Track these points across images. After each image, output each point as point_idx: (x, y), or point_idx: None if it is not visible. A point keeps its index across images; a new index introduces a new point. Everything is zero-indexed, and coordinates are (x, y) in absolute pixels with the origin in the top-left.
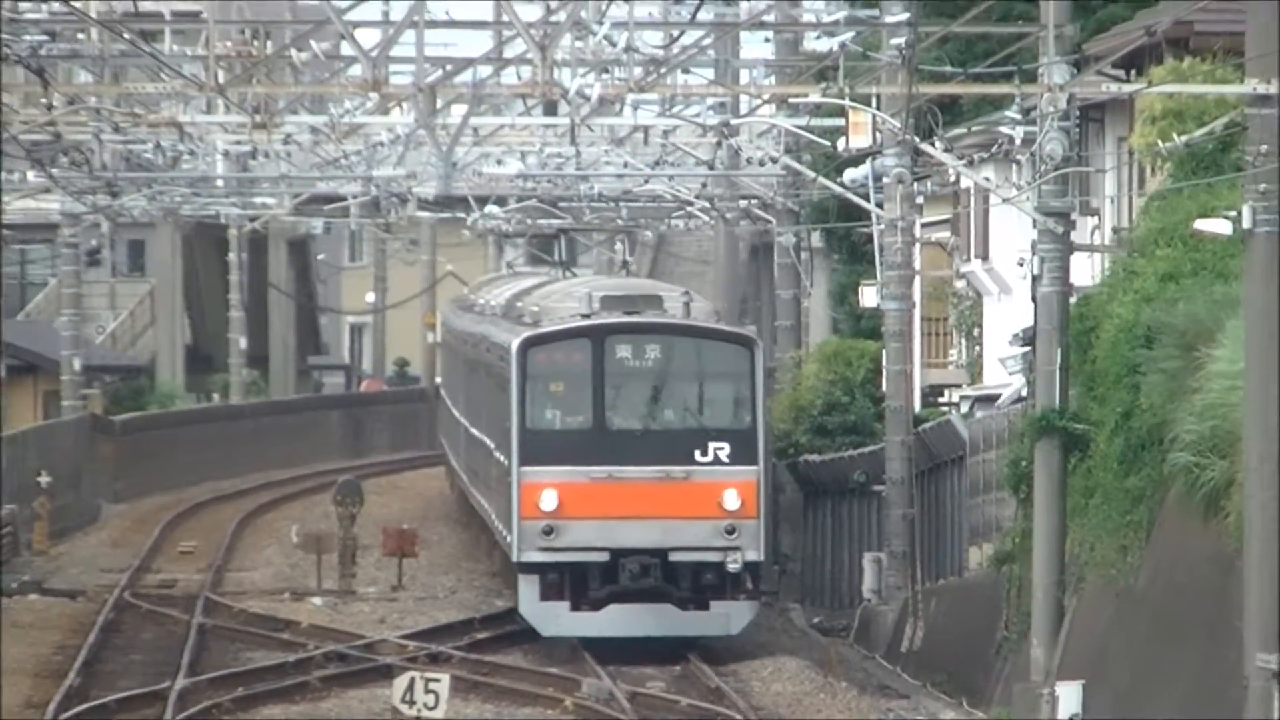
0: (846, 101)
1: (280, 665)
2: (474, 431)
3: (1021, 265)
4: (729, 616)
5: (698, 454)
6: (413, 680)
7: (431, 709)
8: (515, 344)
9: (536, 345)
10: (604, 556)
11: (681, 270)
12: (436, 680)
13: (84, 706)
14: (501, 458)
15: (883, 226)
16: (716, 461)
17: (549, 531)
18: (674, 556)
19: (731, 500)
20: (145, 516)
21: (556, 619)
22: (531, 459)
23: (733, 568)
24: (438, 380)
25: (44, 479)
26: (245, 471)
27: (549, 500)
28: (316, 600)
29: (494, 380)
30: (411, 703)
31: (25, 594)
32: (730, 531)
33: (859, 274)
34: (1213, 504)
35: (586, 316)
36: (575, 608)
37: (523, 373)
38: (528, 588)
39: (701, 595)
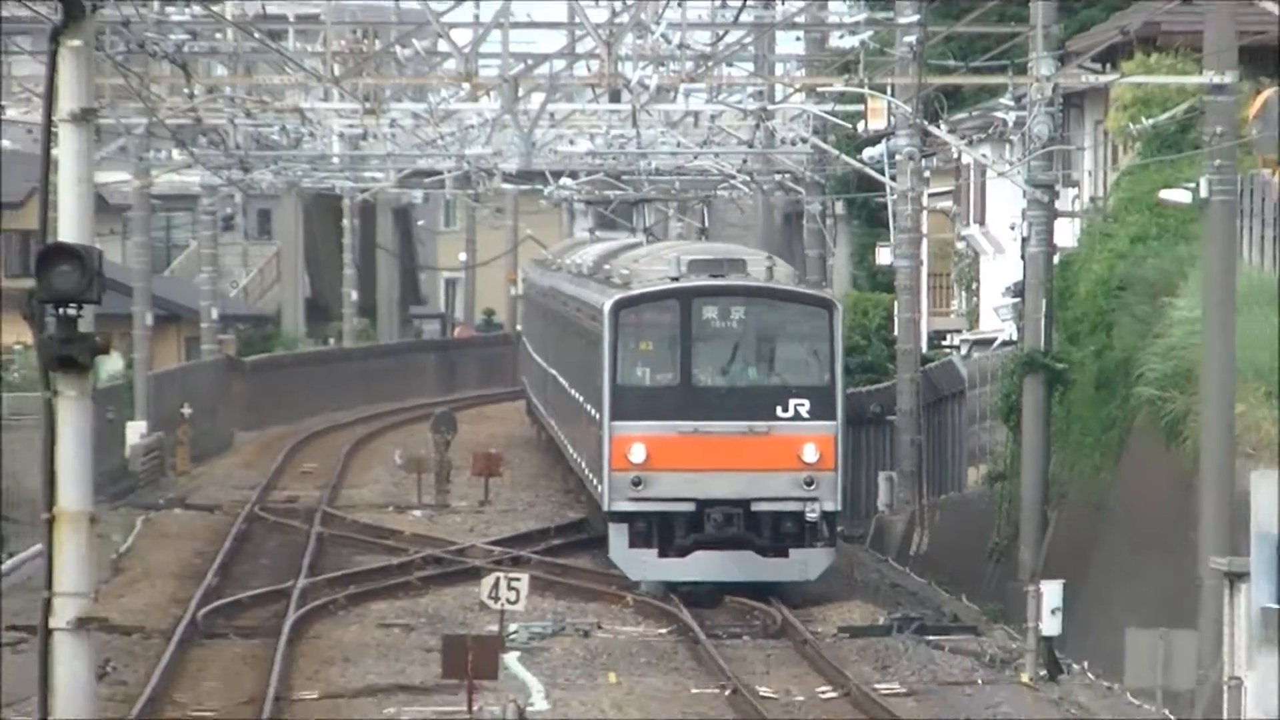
0: (866, 90)
1: (385, 567)
2: (562, 382)
3: (1013, 229)
4: (807, 563)
5: (778, 410)
6: (498, 580)
7: (513, 604)
8: (608, 305)
9: (628, 306)
10: (690, 506)
11: (726, 235)
12: (518, 579)
13: (220, 602)
14: (592, 410)
15: (895, 196)
16: (796, 417)
17: (638, 483)
18: (756, 506)
19: (810, 453)
20: (271, 443)
21: (644, 565)
22: (622, 414)
23: (811, 517)
24: (519, 328)
25: (186, 411)
26: (356, 405)
27: (638, 453)
28: (416, 512)
29: (585, 338)
30: (496, 599)
31: (170, 508)
32: (809, 483)
33: (875, 237)
34: (1173, 431)
35: (675, 279)
36: (662, 555)
37: (615, 332)
38: (617, 536)
39: (781, 543)
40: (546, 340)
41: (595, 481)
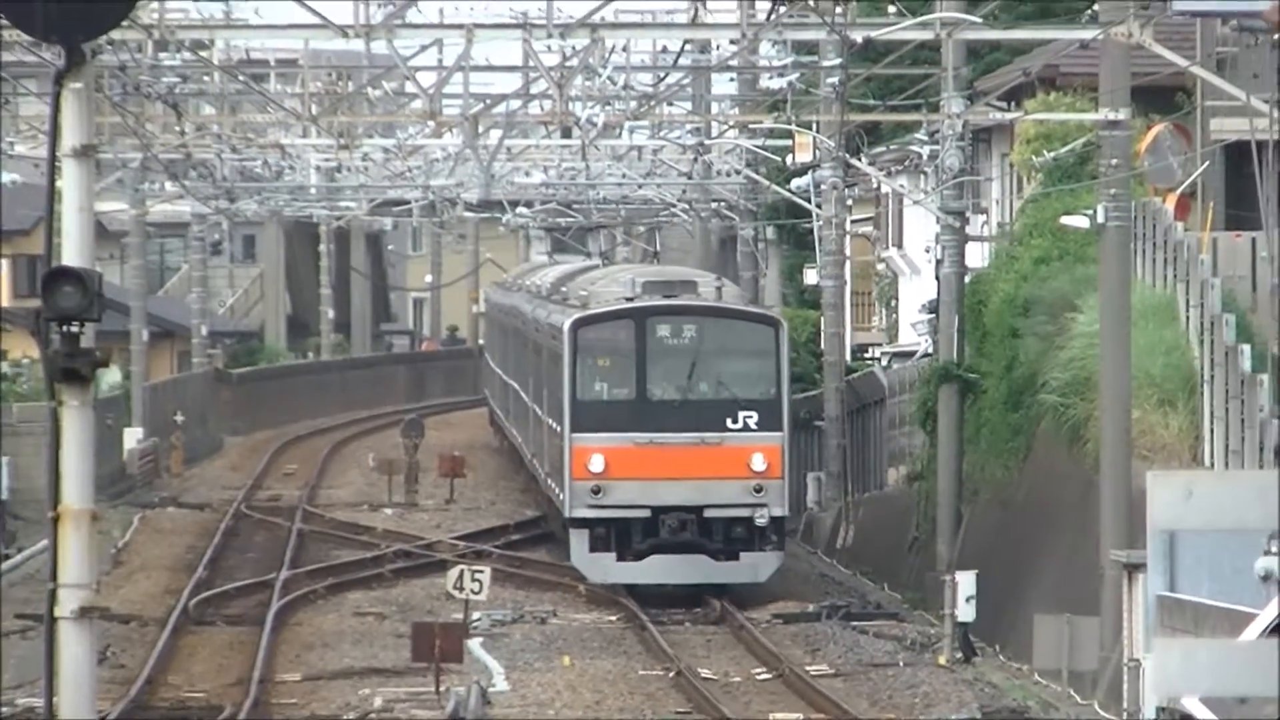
0: (793, 127)
1: (360, 560)
2: (524, 397)
3: (928, 252)
4: (757, 566)
5: (729, 421)
6: (462, 571)
7: (477, 594)
8: (568, 324)
9: (586, 325)
10: (646, 513)
11: (667, 258)
12: (480, 571)
13: (210, 592)
14: (553, 423)
15: (821, 222)
16: (745, 428)
17: (597, 491)
18: (708, 513)
19: (759, 462)
20: (256, 447)
21: (604, 568)
22: (582, 426)
23: (760, 522)
24: (481, 343)
25: (178, 418)
26: (333, 413)
27: (597, 463)
28: (388, 510)
29: (546, 355)
30: (461, 589)
31: (164, 507)
32: (758, 490)
33: (803, 259)
34: (1075, 434)
35: (630, 300)
36: (620, 558)
37: (574, 349)
38: (578, 541)
39: (732, 547)
40: (508, 356)
41: (557, 490)
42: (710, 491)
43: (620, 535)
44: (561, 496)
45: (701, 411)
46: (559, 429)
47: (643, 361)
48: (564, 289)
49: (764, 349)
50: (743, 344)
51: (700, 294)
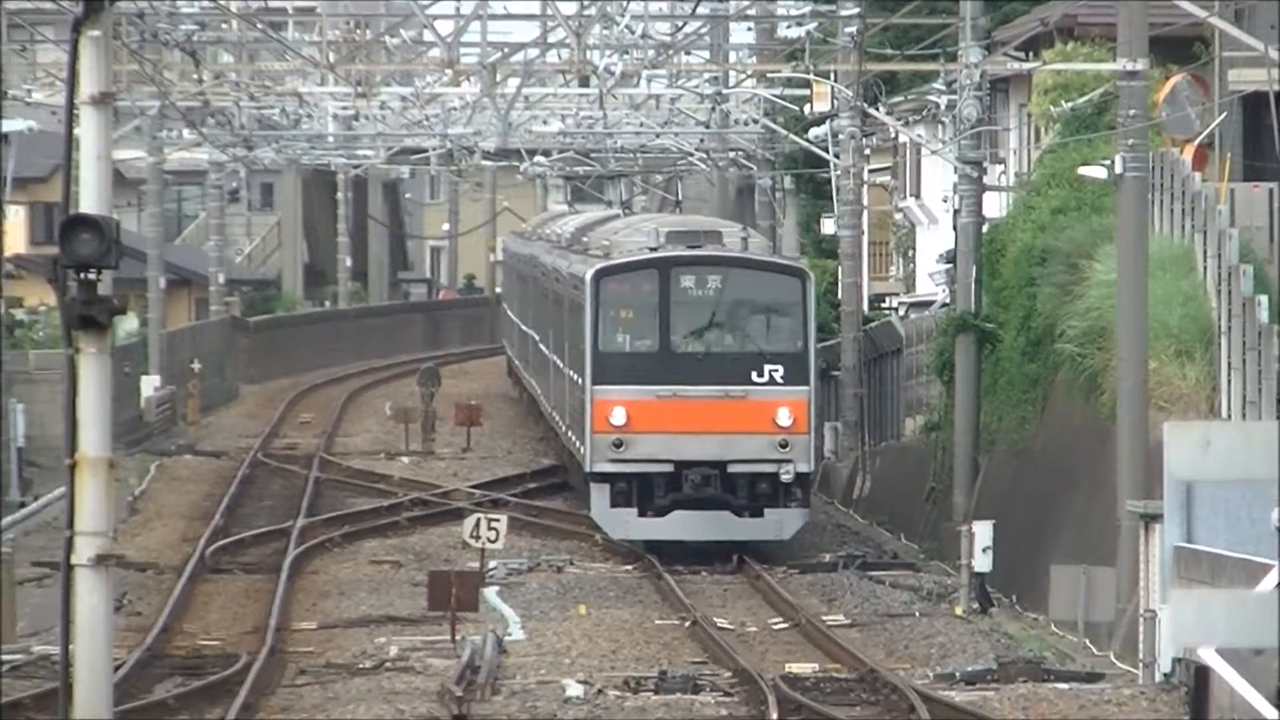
0: (811, 76)
1: (376, 509)
2: (544, 348)
3: (945, 202)
4: (781, 523)
5: (754, 375)
6: (479, 520)
7: (493, 542)
8: (589, 274)
9: (609, 275)
10: (668, 468)
11: (685, 207)
12: (497, 520)
13: (226, 540)
14: (574, 375)
15: (839, 172)
16: (771, 382)
17: (618, 445)
18: (732, 468)
19: (784, 417)
20: (273, 395)
21: (625, 524)
22: (603, 379)
23: (785, 478)
24: (498, 290)
25: (195, 366)
26: (349, 361)
27: (618, 416)
28: (404, 459)
29: (566, 306)
30: (477, 538)
31: (181, 455)
32: (783, 445)
33: (820, 209)
34: (1092, 384)
35: (654, 250)
36: (642, 514)
37: (596, 300)
38: (599, 495)
39: (756, 503)
40: (527, 307)
41: (577, 443)
42: (734, 446)
43: (642, 490)
44: (582, 450)
45: (726, 364)
46: (580, 381)
47: (666, 313)
48: (585, 239)
49: (790, 301)
50: (769, 296)
51: (725, 244)
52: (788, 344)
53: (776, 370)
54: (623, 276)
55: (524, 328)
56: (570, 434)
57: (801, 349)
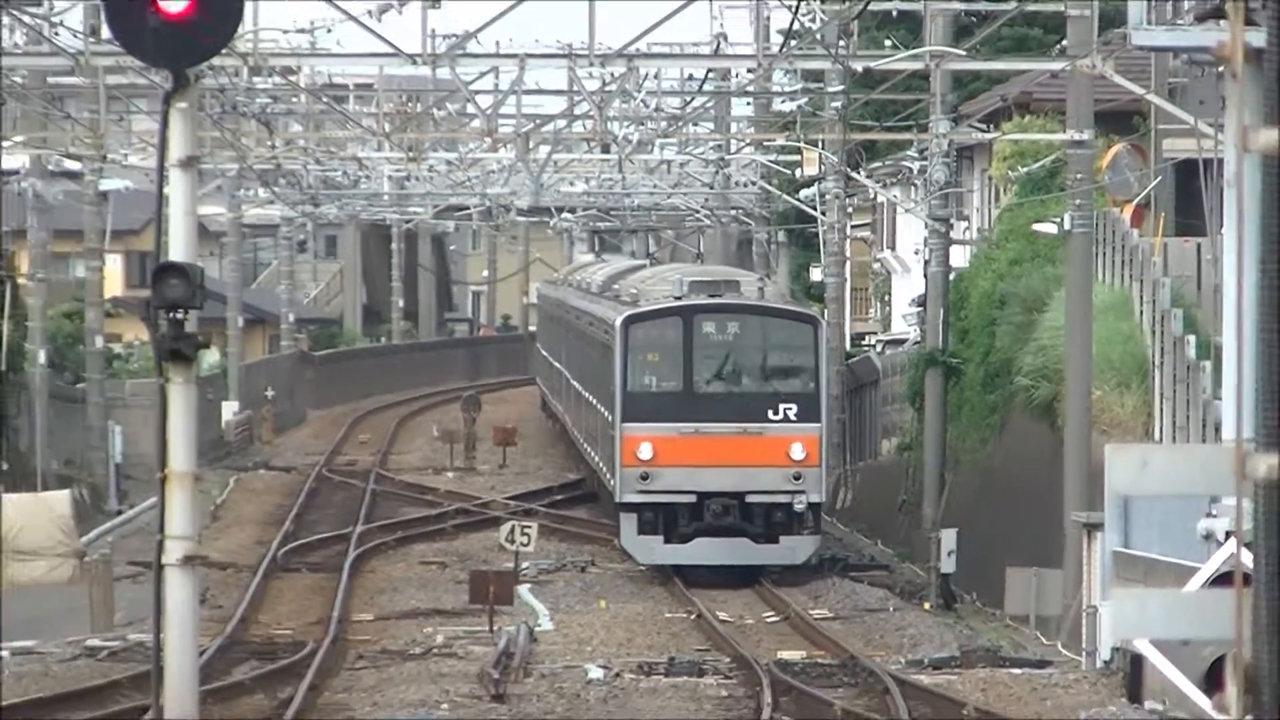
0: (802, 144)
1: (425, 517)
2: (576, 386)
3: (917, 253)
4: (795, 549)
5: (770, 413)
6: (513, 526)
7: (525, 546)
8: (619, 320)
9: (637, 321)
10: (691, 498)
11: (689, 258)
12: (529, 527)
13: (295, 544)
14: (605, 412)
15: (825, 227)
16: (785, 419)
17: (645, 477)
18: (750, 498)
19: (798, 451)
20: (336, 419)
21: (651, 550)
22: (632, 416)
23: (799, 508)
24: (531, 328)
25: (269, 393)
26: (402, 389)
27: (646, 451)
28: (449, 474)
29: (597, 348)
30: (512, 541)
31: (256, 470)
32: (796, 478)
33: (809, 259)
34: (1044, 412)
35: (678, 298)
36: (667, 541)
37: (626, 344)
38: (627, 524)
39: (772, 530)
40: (560, 347)
41: (607, 475)
42: (752, 479)
43: (667, 519)
44: (612, 482)
45: (744, 403)
46: (610, 418)
47: (689, 356)
48: (615, 287)
49: (803, 345)
50: (783, 340)
51: (743, 293)
52: (801, 385)
53: (790, 408)
54: (650, 322)
55: (557, 366)
56: (601, 466)
57: (813, 389)
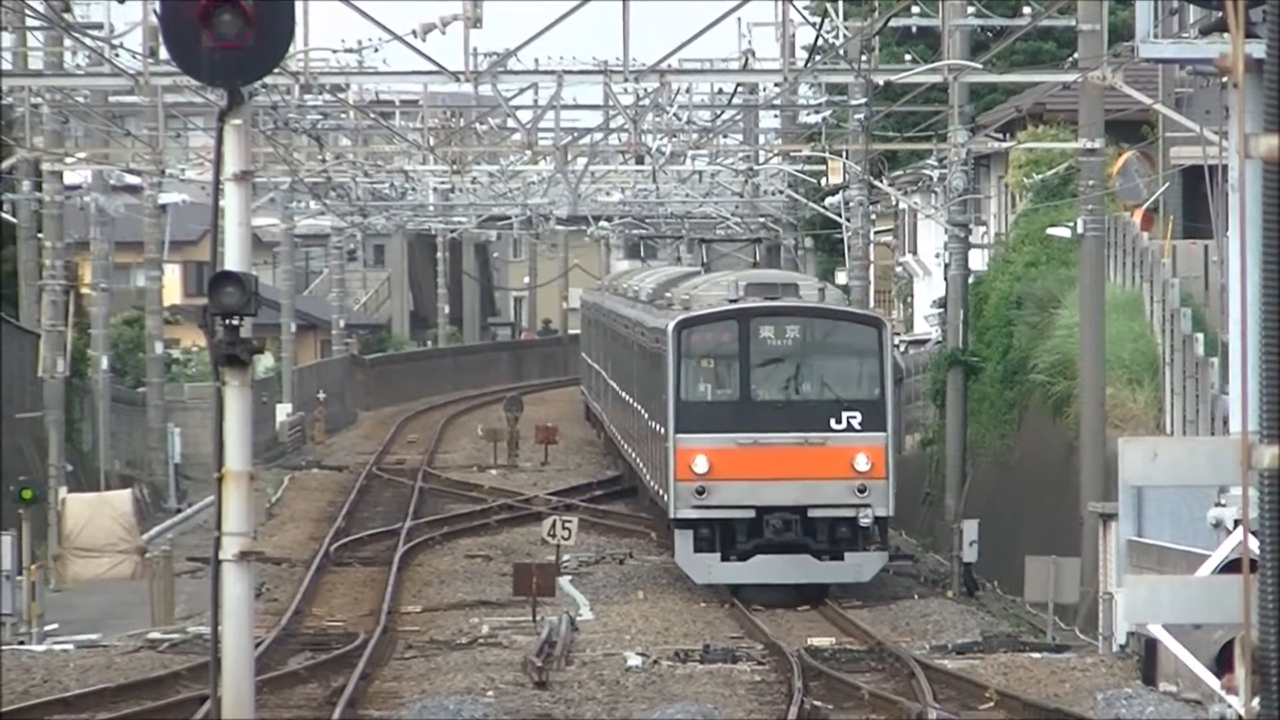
0: (827, 154)
1: (470, 512)
2: (625, 397)
3: (937, 257)
4: (861, 566)
5: (832, 422)
6: (554, 521)
7: (566, 539)
8: (671, 325)
9: (690, 326)
10: (750, 513)
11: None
12: (569, 521)
13: (347, 539)
14: (656, 425)
15: (850, 233)
16: (849, 428)
17: (701, 492)
18: (812, 513)
19: (863, 463)
20: (385, 420)
21: (709, 569)
22: (686, 427)
23: (864, 523)
24: (570, 332)
25: (321, 395)
26: (448, 391)
27: (701, 464)
28: (493, 471)
29: (649, 357)
30: (554, 535)
31: (309, 469)
32: (861, 490)
33: (835, 263)
34: (1059, 407)
35: (733, 301)
36: (725, 559)
37: (678, 351)
38: (682, 541)
39: (836, 547)
40: (607, 356)
41: (660, 490)
42: (814, 492)
43: (725, 535)
44: (665, 497)
45: (805, 412)
46: (662, 430)
47: (746, 362)
48: (668, 294)
49: (867, 349)
50: (845, 344)
51: (802, 295)
52: (865, 391)
53: (854, 417)
54: (704, 327)
55: (604, 375)
56: (652, 480)
57: (878, 396)
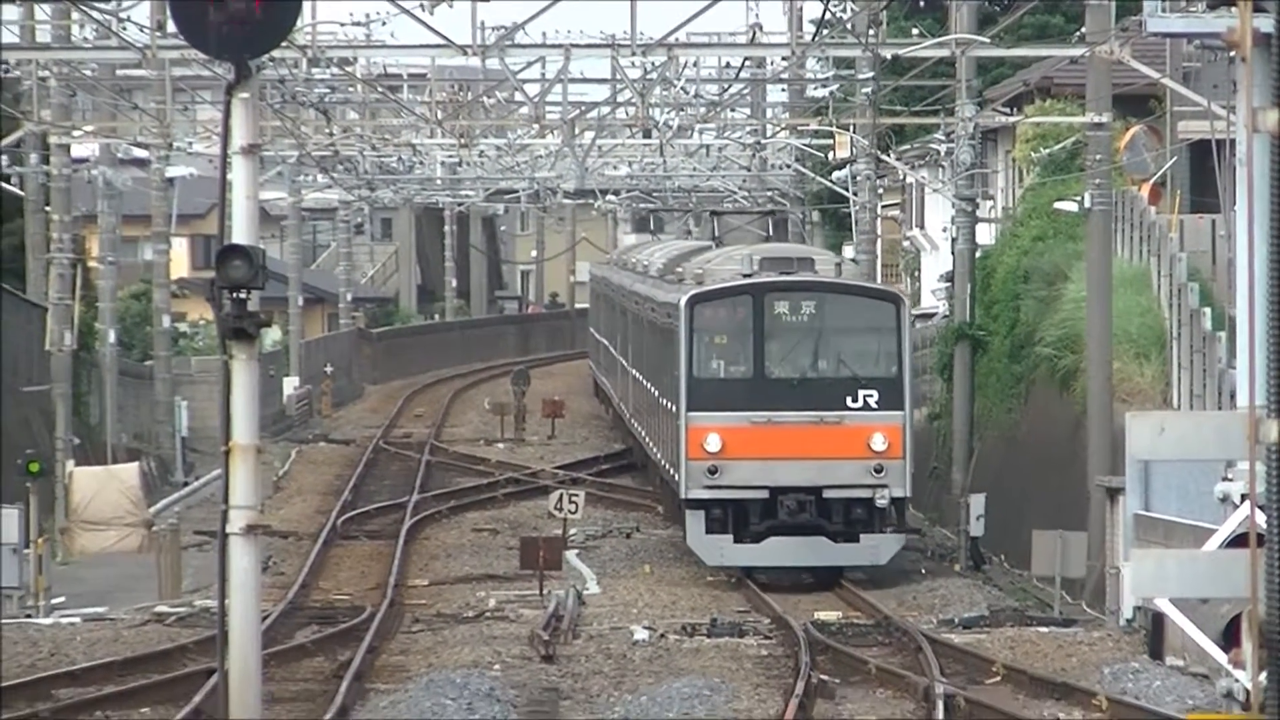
0: (834, 128)
1: (477, 486)
2: (634, 373)
3: (945, 231)
4: (878, 548)
5: (849, 400)
6: (561, 495)
7: (573, 513)
8: (683, 300)
9: (703, 301)
10: (764, 494)
11: (729, 238)
12: (576, 495)
13: (354, 513)
14: (667, 402)
15: (857, 207)
16: (866, 407)
17: (713, 471)
18: (827, 494)
19: (879, 442)
20: (392, 393)
21: (720, 551)
22: (698, 405)
23: (881, 504)
24: (578, 306)
25: (328, 369)
26: (455, 364)
27: (713, 443)
28: (500, 445)
29: (660, 332)
30: (560, 509)
31: (316, 442)
32: (878, 470)
33: (842, 238)
34: (1066, 382)
35: (748, 276)
36: (737, 540)
37: (690, 326)
38: (694, 522)
39: (852, 529)
40: (616, 332)
41: (671, 469)
42: (830, 472)
43: (738, 517)
44: (677, 477)
45: (821, 390)
46: (674, 408)
47: (760, 339)
48: (679, 269)
49: (884, 326)
50: (863, 321)
51: (818, 270)
52: (882, 369)
53: (871, 395)
54: (717, 302)
55: (614, 352)
56: (663, 460)
57: (896, 374)
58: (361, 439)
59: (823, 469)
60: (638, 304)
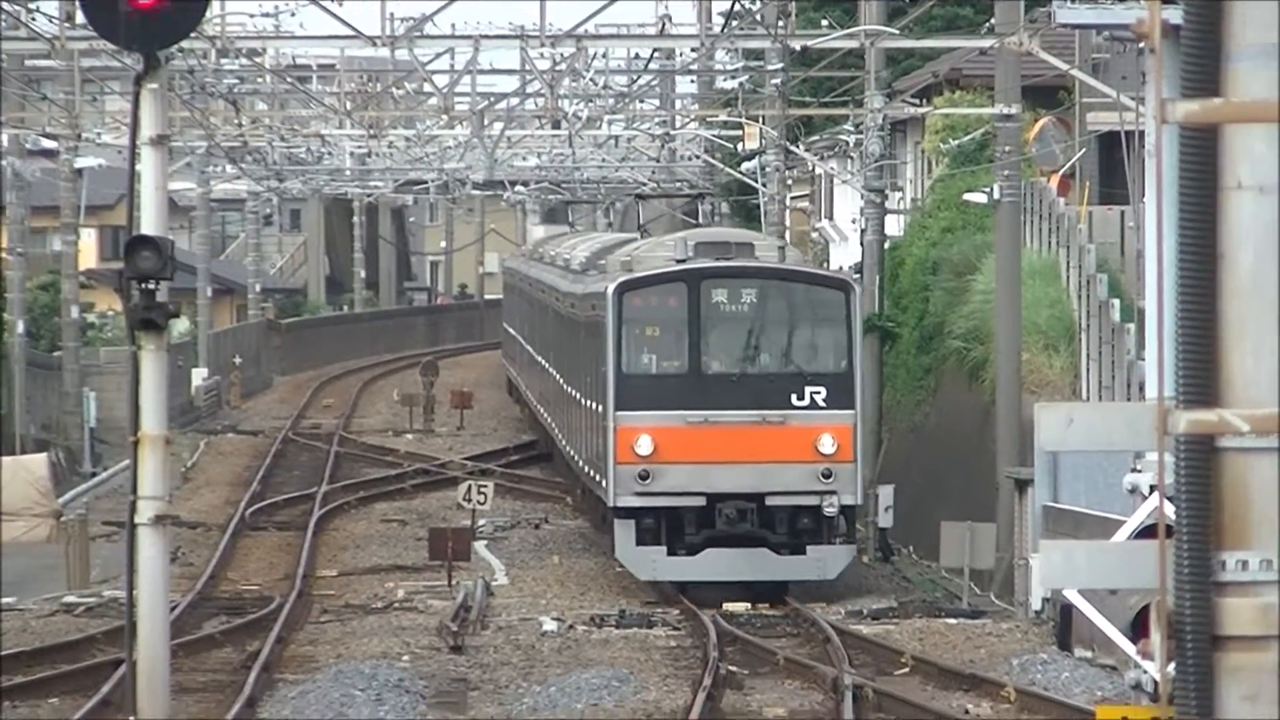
0: (743, 119)
1: (386, 477)
2: (554, 374)
3: (854, 222)
4: (825, 561)
5: (794, 398)
6: (470, 485)
7: (482, 504)
8: (611, 288)
9: (632, 289)
10: (700, 501)
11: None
12: (485, 486)
13: (263, 504)
14: (592, 403)
15: (766, 199)
16: (813, 405)
17: (645, 476)
18: (770, 501)
19: (828, 444)
20: (301, 384)
21: (653, 564)
22: (627, 404)
23: (829, 512)
24: (488, 297)
25: (237, 360)
26: (364, 355)
27: (645, 445)
28: (409, 436)
29: (583, 328)
30: (469, 500)
31: (225, 433)
32: (826, 475)
33: (751, 229)
34: (975, 373)
35: (681, 262)
36: (672, 553)
37: (619, 317)
38: (623, 533)
39: (797, 539)
40: (535, 330)
41: (597, 475)
42: (773, 477)
43: (671, 526)
44: (603, 483)
45: (763, 387)
46: (600, 408)
47: (696, 330)
48: (602, 261)
49: (833, 316)
50: (809, 310)
51: (759, 256)
52: (831, 363)
53: (819, 392)
54: (649, 290)
55: (530, 349)
56: (587, 466)
57: (846, 369)
58: (270, 430)
59: (765, 474)
60: (558, 299)
